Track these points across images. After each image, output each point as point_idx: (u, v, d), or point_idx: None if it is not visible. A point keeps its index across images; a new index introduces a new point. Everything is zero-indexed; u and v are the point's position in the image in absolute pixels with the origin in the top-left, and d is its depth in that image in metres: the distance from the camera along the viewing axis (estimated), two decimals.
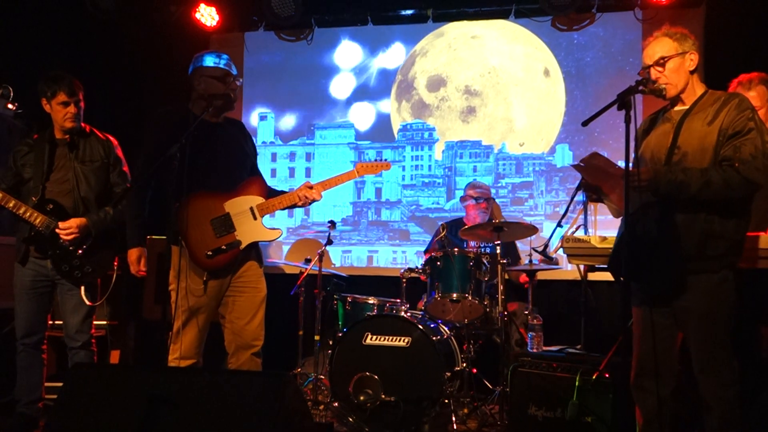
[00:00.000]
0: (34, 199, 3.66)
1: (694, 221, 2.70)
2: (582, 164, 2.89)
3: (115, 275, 3.78)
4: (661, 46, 2.84)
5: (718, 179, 2.63)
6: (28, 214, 3.60)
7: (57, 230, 3.61)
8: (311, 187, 3.36)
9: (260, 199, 3.32)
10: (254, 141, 3.65)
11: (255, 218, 3.30)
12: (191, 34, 5.98)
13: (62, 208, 3.68)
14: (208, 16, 5.91)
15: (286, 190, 3.59)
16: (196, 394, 2.33)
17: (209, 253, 3.23)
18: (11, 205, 3.59)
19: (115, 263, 3.80)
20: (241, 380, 2.41)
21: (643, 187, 2.65)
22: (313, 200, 3.37)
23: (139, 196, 3.35)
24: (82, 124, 3.83)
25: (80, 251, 3.68)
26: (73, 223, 3.64)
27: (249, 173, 3.48)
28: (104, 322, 4.50)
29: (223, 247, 3.24)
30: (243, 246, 3.28)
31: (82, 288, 3.69)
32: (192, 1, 5.86)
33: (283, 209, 3.43)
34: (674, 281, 2.74)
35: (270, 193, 3.41)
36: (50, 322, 3.92)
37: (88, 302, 3.69)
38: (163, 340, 3.66)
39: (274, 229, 3.36)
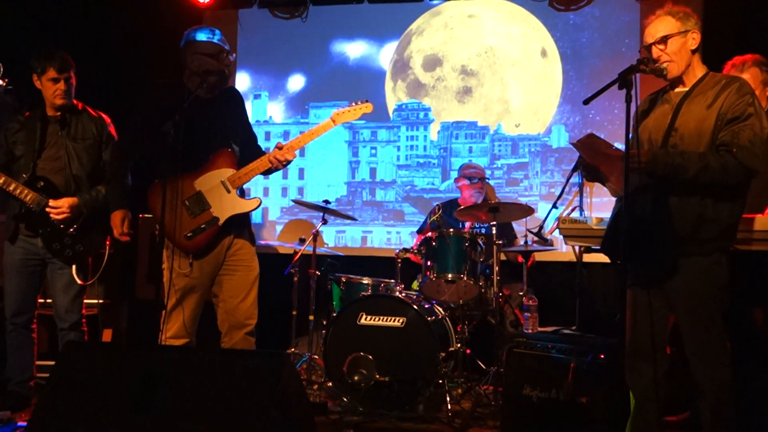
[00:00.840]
0: (24, 176, 3.62)
1: (687, 204, 2.70)
2: (579, 143, 2.87)
3: (107, 254, 3.74)
4: (663, 24, 2.80)
5: (716, 164, 2.61)
6: (18, 191, 3.56)
7: (47, 209, 3.57)
8: (281, 148, 3.25)
9: (230, 171, 3.23)
10: (244, 111, 3.51)
11: (229, 191, 3.23)
12: (184, 10, 5.90)
13: (53, 186, 3.64)
14: None
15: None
16: (192, 373, 2.31)
17: (188, 234, 3.17)
18: (1, 181, 3.55)
19: (107, 242, 3.77)
20: (238, 359, 2.40)
21: (641, 169, 2.64)
22: (287, 161, 3.25)
23: (123, 162, 3.32)
24: (74, 101, 3.77)
25: (71, 230, 3.64)
26: (65, 202, 3.60)
27: (241, 144, 3.38)
28: (96, 301, 4.48)
29: (202, 226, 3.19)
30: (222, 221, 3.21)
31: (74, 267, 3.65)
32: None
33: (260, 174, 3.32)
34: (667, 263, 2.74)
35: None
36: (41, 301, 3.89)
37: (79, 281, 3.65)
38: (156, 319, 3.66)
39: (251, 198, 3.29)
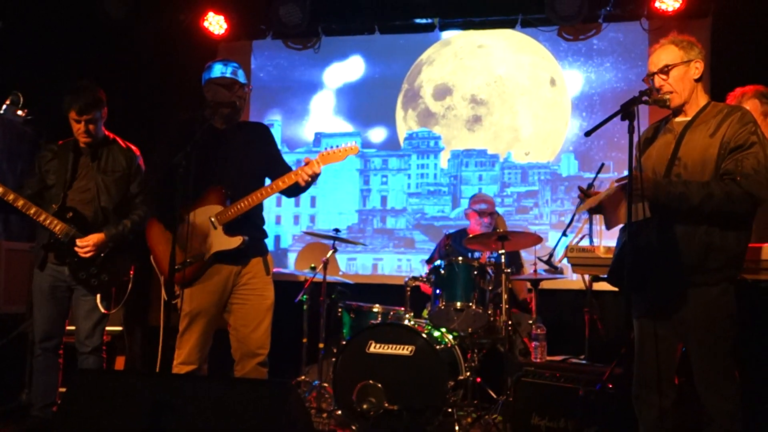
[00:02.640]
0: (54, 206, 3.68)
1: (694, 233, 2.69)
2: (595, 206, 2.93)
3: (131, 283, 3.80)
4: (666, 53, 2.82)
5: (720, 193, 2.62)
6: (48, 221, 3.63)
7: (75, 248, 3.64)
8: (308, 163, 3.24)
9: (218, 208, 3.28)
10: (272, 142, 3.53)
11: (215, 228, 3.28)
12: (200, 42, 6.02)
13: (82, 217, 3.70)
14: (216, 24, 5.96)
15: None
16: (199, 401, 2.34)
17: (177, 267, 3.15)
18: (32, 212, 3.62)
19: (131, 271, 3.83)
20: (244, 388, 2.43)
21: (642, 195, 2.64)
22: (314, 174, 3.24)
23: (147, 204, 3.37)
24: (106, 132, 3.85)
25: (98, 260, 3.71)
26: (91, 240, 3.65)
27: (257, 179, 3.42)
28: (112, 328, 4.52)
29: (188, 260, 3.23)
30: (207, 257, 3.26)
31: (98, 295, 3.71)
32: (200, 9, 5.91)
33: (283, 195, 3.34)
34: (674, 293, 2.73)
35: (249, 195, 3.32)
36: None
37: (103, 310, 3.71)
38: (169, 346, 3.70)
39: (234, 236, 3.27)
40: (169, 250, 3.00)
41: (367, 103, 6.10)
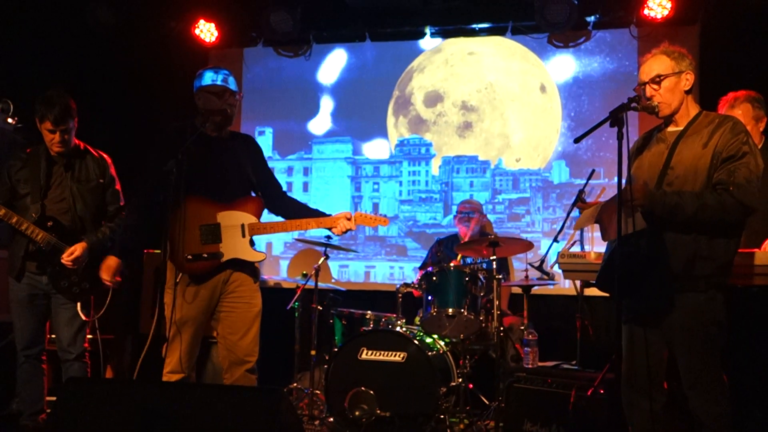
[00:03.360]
0: (34, 215, 3.67)
1: (682, 242, 2.72)
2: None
3: (111, 290, 3.79)
4: (658, 63, 2.84)
5: (714, 202, 2.64)
6: (30, 230, 3.61)
7: (63, 260, 3.62)
8: (349, 219, 3.38)
9: (253, 219, 3.31)
10: (262, 157, 3.59)
11: (243, 236, 3.29)
12: (190, 49, 6.03)
13: (62, 226, 3.70)
14: (207, 32, 5.96)
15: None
16: (190, 409, 2.34)
17: (189, 257, 3.22)
18: (14, 221, 3.60)
19: (117, 278, 3.81)
20: (235, 396, 2.42)
21: (637, 205, 2.67)
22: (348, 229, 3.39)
23: (137, 210, 3.37)
24: (76, 141, 3.84)
25: (78, 268, 3.69)
26: (78, 250, 3.65)
27: (248, 190, 3.46)
28: (103, 336, 4.49)
29: (204, 255, 3.23)
30: (224, 259, 3.26)
31: (78, 303, 3.70)
32: (191, 17, 5.91)
33: (286, 232, 3.53)
34: (662, 300, 2.75)
35: (288, 212, 3.50)
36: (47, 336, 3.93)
37: (84, 317, 3.70)
38: (158, 354, 3.68)
39: (259, 252, 3.33)
40: (187, 236, 3.18)
41: (358, 111, 6.10)
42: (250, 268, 3.40)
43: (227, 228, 3.28)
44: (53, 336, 3.88)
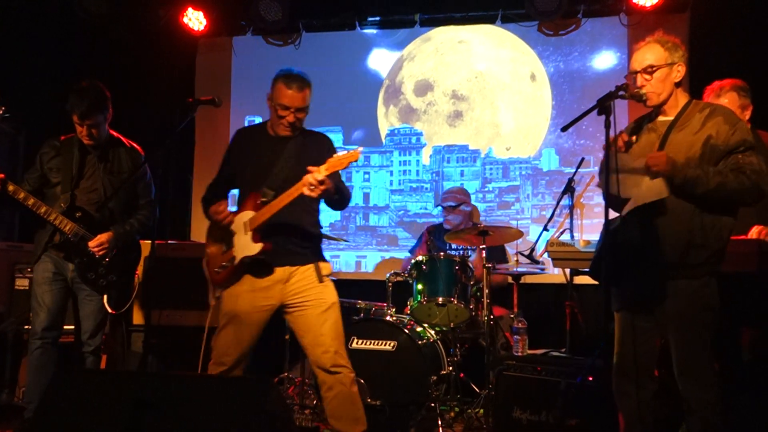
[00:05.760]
0: (63, 205, 3.63)
1: (675, 230, 2.72)
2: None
3: (137, 284, 3.77)
4: (651, 52, 2.83)
5: (734, 182, 2.64)
6: (58, 221, 3.58)
7: (90, 247, 3.60)
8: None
9: (251, 213, 3.25)
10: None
11: (246, 233, 3.25)
12: (179, 38, 5.99)
13: (90, 217, 3.67)
14: (195, 20, 5.92)
15: None
16: (180, 398, 2.34)
17: (216, 270, 3.23)
18: (42, 210, 3.57)
19: (138, 272, 3.81)
20: (224, 385, 2.43)
21: (658, 171, 2.66)
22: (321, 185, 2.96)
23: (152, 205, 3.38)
24: (111, 131, 3.80)
25: (106, 260, 3.68)
26: (104, 237, 3.63)
27: (247, 190, 3.37)
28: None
29: (224, 263, 3.24)
30: (237, 261, 3.22)
31: (105, 296, 3.69)
32: (180, 5, 5.86)
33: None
34: (656, 287, 2.76)
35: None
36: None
37: (111, 311, 3.68)
38: (149, 345, 3.69)
39: (257, 243, 3.20)
40: (215, 252, 3.26)
41: (348, 100, 6.08)
42: (314, 268, 3.24)
43: (237, 231, 3.26)
44: (67, 327, 3.85)
